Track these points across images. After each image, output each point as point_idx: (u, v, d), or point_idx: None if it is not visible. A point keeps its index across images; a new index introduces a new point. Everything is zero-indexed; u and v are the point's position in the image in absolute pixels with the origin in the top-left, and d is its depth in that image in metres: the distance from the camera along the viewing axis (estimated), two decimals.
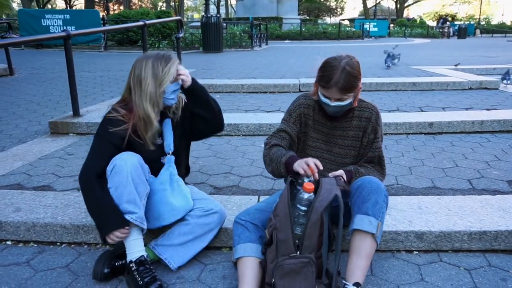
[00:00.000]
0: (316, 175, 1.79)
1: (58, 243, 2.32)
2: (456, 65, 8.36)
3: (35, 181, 2.97)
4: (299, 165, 1.83)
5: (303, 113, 2.17)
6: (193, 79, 2.14)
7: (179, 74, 2.05)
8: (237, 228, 1.95)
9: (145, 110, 1.99)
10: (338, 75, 1.85)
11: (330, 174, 1.95)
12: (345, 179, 1.96)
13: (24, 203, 2.54)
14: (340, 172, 1.98)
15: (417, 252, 2.22)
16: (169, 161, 2.17)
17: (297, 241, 1.69)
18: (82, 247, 2.29)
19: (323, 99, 1.98)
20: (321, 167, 1.81)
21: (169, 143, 2.18)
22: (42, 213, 2.41)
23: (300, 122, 2.18)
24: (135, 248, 1.95)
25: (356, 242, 1.83)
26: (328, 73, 1.89)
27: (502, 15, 54.15)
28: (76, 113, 4.44)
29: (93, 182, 1.95)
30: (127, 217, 1.89)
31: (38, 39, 4.27)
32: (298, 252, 1.69)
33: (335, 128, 2.14)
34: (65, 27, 14.05)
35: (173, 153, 2.19)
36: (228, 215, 2.27)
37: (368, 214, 1.82)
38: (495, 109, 4.78)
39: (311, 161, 1.82)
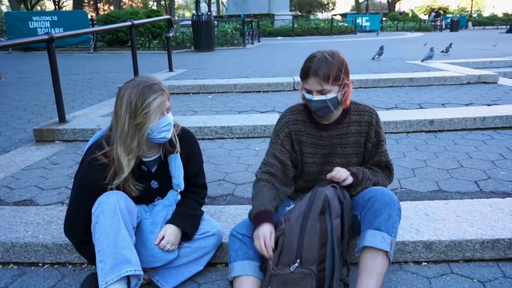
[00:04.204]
0: (267, 253, 1.62)
1: (40, 264, 2.15)
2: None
3: (17, 195, 2.79)
4: (255, 237, 1.68)
5: (293, 131, 1.97)
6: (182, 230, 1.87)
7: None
8: (233, 242, 1.78)
9: (118, 154, 1.71)
10: (316, 63, 1.76)
11: (328, 176, 1.79)
12: (349, 182, 1.83)
13: (3, 220, 2.37)
14: (339, 173, 1.81)
15: (426, 263, 2.07)
16: (171, 199, 1.93)
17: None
18: (66, 267, 2.12)
19: (306, 95, 1.84)
20: (271, 245, 1.63)
21: (178, 183, 1.90)
22: (22, 231, 2.23)
23: (291, 142, 1.97)
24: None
25: (367, 260, 1.67)
26: (307, 64, 1.80)
27: (493, 7, 54.23)
28: (62, 119, 4.25)
29: (81, 239, 1.78)
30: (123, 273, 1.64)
31: (20, 42, 4.05)
32: (298, 261, 1.57)
33: (332, 137, 1.96)
34: (53, 29, 13.81)
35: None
36: (223, 229, 2.11)
37: (381, 229, 1.66)
38: (496, 104, 4.65)
39: (262, 239, 1.64)
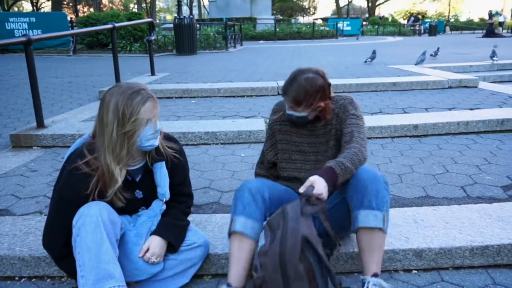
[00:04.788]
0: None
1: (17, 278, 2.05)
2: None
3: None
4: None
5: (276, 130, 2.14)
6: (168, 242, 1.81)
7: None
8: (244, 195, 1.75)
9: (107, 164, 1.63)
10: (292, 86, 1.87)
11: (300, 190, 1.62)
12: (326, 185, 1.62)
13: None
14: (318, 189, 1.60)
15: (416, 272, 2.04)
16: (156, 209, 1.86)
17: None
18: (45, 281, 2.02)
19: (285, 103, 1.97)
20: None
21: (164, 192, 1.84)
22: None
23: (274, 141, 2.15)
24: None
25: (365, 240, 1.73)
26: (288, 82, 1.90)
27: (469, 12, 55.48)
28: (40, 124, 4.12)
29: (61, 252, 1.71)
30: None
31: None
32: None
33: (308, 136, 2.05)
34: (31, 31, 13.51)
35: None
36: (210, 239, 2.05)
37: (372, 207, 1.69)
38: (478, 108, 4.70)
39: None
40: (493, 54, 8.57)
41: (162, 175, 1.81)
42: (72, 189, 1.66)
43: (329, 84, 1.92)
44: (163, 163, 1.82)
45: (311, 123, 2.01)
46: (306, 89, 1.83)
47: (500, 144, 3.71)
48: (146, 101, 1.62)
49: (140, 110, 1.60)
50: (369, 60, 8.96)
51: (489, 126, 4.10)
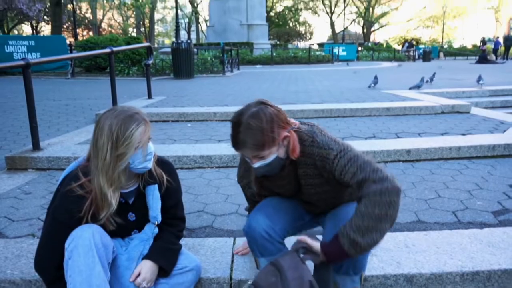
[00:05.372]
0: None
1: None
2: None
3: None
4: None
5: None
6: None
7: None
8: (263, 242, 1.74)
9: (100, 186, 1.65)
10: (242, 134, 1.57)
11: (301, 238, 1.56)
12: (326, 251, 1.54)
13: None
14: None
15: None
16: (148, 232, 1.86)
17: None
18: None
19: (247, 159, 1.68)
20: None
21: (155, 215, 1.85)
22: None
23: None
24: None
25: None
26: (234, 133, 1.62)
27: (463, 38, 56.47)
28: (36, 146, 4.14)
29: (53, 275, 1.70)
30: None
31: None
32: None
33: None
34: (29, 54, 13.65)
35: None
36: (202, 263, 2.05)
37: (349, 274, 1.69)
38: (470, 134, 4.76)
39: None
40: (479, 79, 8.82)
41: (154, 198, 1.83)
42: (66, 211, 1.68)
43: (278, 109, 1.65)
44: (156, 186, 1.83)
45: (287, 171, 1.74)
46: (259, 126, 1.55)
47: (491, 170, 3.75)
48: (140, 125, 1.65)
49: (133, 133, 1.63)
50: (373, 85, 9.25)
51: (480, 151, 4.15)
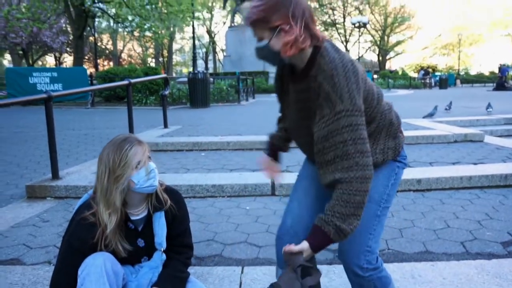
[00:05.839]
0: None
1: None
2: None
3: (4, 254, 2.77)
4: None
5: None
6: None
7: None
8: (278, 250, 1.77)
9: (100, 210, 1.75)
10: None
11: (285, 249, 1.49)
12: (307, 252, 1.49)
13: None
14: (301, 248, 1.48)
15: None
16: (157, 260, 1.93)
17: None
18: None
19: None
20: None
21: (161, 241, 1.91)
22: None
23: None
24: None
25: None
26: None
27: (480, 65, 56.24)
28: (55, 175, 4.29)
29: None
30: None
31: (19, 101, 4.19)
32: None
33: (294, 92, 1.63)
34: (52, 85, 14.16)
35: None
36: None
37: None
38: (482, 163, 4.76)
39: None
40: (488, 106, 8.87)
41: (160, 225, 1.91)
42: (79, 239, 1.77)
43: (308, 7, 1.49)
44: (162, 213, 1.91)
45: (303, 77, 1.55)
46: (259, 2, 1.46)
47: (503, 199, 3.74)
48: (133, 145, 1.74)
49: (128, 154, 1.72)
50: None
51: (492, 181, 4.14)
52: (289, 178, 4.17)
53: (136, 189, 1.77)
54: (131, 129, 6.08)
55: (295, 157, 5.21)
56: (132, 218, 1.87)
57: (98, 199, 1.75)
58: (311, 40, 1.49)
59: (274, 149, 1.99)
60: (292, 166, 4.72)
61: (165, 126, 7.67)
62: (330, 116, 1.43)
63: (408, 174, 4.28)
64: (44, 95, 4.11)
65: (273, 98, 19.39)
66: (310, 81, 1.51)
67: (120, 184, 1.73)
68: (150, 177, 1.78)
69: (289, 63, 1.59)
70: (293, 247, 1.47)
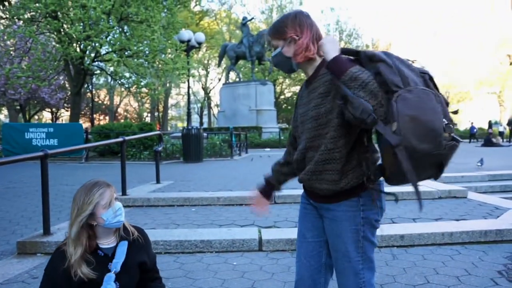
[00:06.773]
0: None
1: None
2: None
3: None
4: None
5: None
6: None
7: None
8: None
9: (68, 244, 1.96)
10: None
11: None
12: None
13: None
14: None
15: None
16: (108, 281, 2.02)
17: None
18: None
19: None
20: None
21: (116, 262, 2.04)
22: None
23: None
24: None
25: None
26: None
27: (469, 121, 57.67)
28: (46, 231, 4.37)
29: None
30: None
31: (15, 160, 4.32)
32: None
33: (309, 93, 1.90)
34: (48, 140, 14.38)
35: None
36: None
37: None
38: (464, 219, 4.90)
39: None
40: (480, 161, 9.18)
41: (120, 251, 2.07)
42: (52, 266, 1.98)
43: (309, 21, 1.85)
44: (126, 242, 2.09)
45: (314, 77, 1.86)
46: (281, 18, 1.88)
47: (483, 255, 3.85)
48: (101, 188, 1.99)
49: (95, 194, 1.96)
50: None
51: (472, 237, 4.27)
52: (276, 234, 4.30)
53: (106, 225, 1.99)
54: (123, 184, 6.21)
55: (282, 213, 5.36)
56: (103, 247, 2.06)
57: (68, 233, 1.98)
58: (318, 51, 1.81)
59: (269, 189, 2.24)
60: (279, 221, 4.84)
61: (158, 181, 7.80)
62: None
63: (391, 230, 4.42)
64: (40, 153, 4.28)
65: (266, 152, 19.69)
66: (322, 77, 1.80)
67: (83, 218, 1.94)
68: (117, 214, 2.02)
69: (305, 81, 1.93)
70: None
